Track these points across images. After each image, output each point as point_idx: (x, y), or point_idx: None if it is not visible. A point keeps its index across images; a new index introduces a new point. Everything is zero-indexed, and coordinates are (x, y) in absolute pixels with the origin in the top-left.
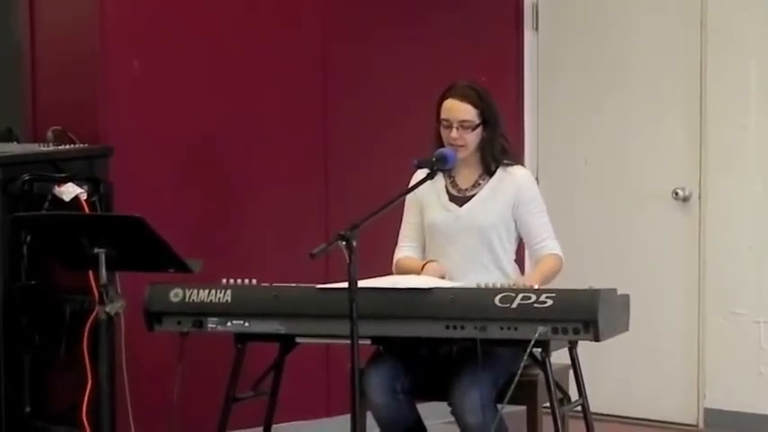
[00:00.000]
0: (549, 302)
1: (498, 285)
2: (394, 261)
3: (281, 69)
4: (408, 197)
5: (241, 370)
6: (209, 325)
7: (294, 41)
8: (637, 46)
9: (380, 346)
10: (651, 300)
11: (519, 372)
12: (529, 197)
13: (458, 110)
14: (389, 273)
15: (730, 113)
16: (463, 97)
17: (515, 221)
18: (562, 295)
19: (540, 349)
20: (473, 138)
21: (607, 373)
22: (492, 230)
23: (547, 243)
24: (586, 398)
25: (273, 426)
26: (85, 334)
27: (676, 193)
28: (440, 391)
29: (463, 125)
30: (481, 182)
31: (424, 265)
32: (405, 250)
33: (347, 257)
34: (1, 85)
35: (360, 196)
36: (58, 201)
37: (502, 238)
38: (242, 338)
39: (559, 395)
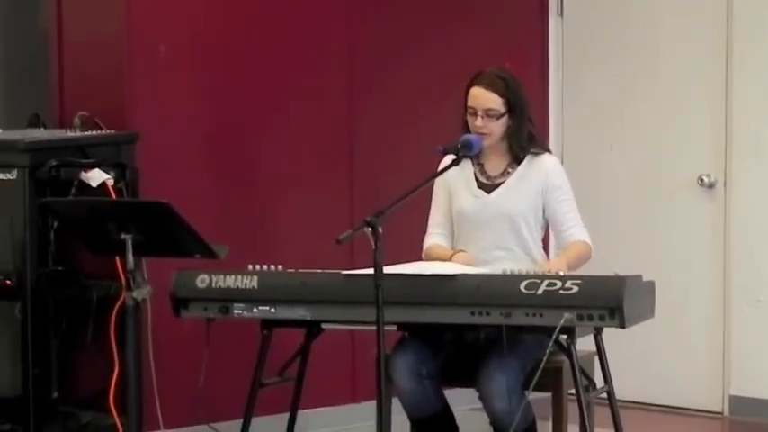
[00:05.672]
0: (575, 289)
1: (525, 272)
2: (424, 249)
3: (307, 55)
4: (437, 184)
5: (267, 356)
6: (236, 311)
7: (320, 28)
8: (662, 32)
9: (406, 333)
10: (676, 287)
11: (544, 358)
12: (557, 184)
13: (483, 98)
14: (416, 259)
15: (756, 100)
16: (489, 86)
17: (543, 209)
18: (588, 282)
19: (565, 336)
20: (498, 126)
21: (632, 359)
22: (520, 217)
23: (574, 230)
24: (612, 384)
25: (299, 411)
26: (112, 319)
27: (702, 180)
28: (466, 377)
29: (488, 113)
30: (510, 170)
31: (452, 255)
32: (434, 238)
33: (373, 244)
34: (28, 72)
35: (385, 182)
36: (84, 186)
37: (530, 224)
38: (268, 324)
39: (585, 382)
